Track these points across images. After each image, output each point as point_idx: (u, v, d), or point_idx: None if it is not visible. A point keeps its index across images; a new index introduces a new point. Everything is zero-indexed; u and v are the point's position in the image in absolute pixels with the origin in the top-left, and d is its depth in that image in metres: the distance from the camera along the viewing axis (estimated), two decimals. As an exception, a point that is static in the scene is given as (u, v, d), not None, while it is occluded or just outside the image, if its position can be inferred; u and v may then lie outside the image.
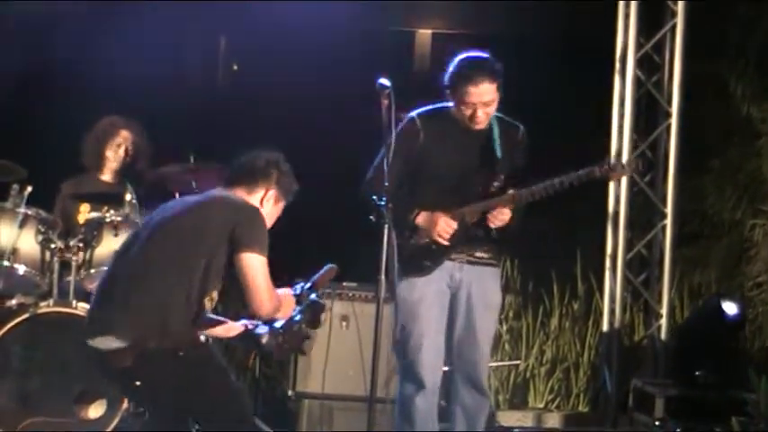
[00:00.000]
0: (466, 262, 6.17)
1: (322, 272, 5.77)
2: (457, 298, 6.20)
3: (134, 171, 7.63)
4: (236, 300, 5.58)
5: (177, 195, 7.07)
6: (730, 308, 8.13)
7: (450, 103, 6.11)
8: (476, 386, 6.22)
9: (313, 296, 5.61)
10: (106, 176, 7.66)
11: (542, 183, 6.05)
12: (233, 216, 5.26)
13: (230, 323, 5.43)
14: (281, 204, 5.53)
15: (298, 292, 5.57)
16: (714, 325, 8.14)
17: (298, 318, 5.49)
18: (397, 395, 6.28)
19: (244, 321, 5.44)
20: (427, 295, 6.11)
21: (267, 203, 5.45)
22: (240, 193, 5.42)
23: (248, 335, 5.42)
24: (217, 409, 5.22)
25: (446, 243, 6.06)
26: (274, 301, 5.31)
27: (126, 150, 7.61)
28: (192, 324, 5.20)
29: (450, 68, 6.08)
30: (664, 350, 8.54)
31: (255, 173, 5.46)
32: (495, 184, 6.14)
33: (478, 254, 6.20)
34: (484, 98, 6.02)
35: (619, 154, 8.49)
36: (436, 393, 6.21)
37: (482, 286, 6.21)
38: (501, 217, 6.06)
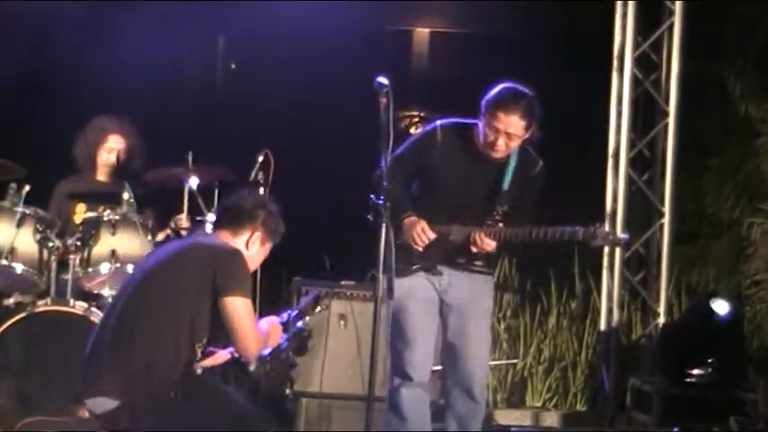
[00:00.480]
0: (450, 267, 6.16)
1: (308, 300, 5.82)
2: (447, 302, 6.18)
3: (131, 170, 7.62)
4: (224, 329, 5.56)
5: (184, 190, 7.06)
6: (721, 307, 8.12)
7: (478, 122, 6.08)
8: (469, 394, 6.19)
9: (300, 324, 5.63)
10: (101, 177, 7.65)
11: (529, 229, 6.04)
12: (212, 263, 5.22)
13: (219, 352, 5.43)
14: (269, 245, 5.50)
15: (285, 320, 5.59)
16: (705, 325, 8.13)
17: (285, 346, 5.54)
18: (389, 391, 6.26)
19: (231, 350, 5.43)
20: (412, 292, 6.09)
21: (253, 245, 5.42)
22: (225, 236, 5.40)
23: (236, 363, 5.43)
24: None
25: (417, 247, 6.04)
26: (260, 343, 5.31)
27: (118, 155, 7.59)
28: (185, 371, 5.19)
29: (493, 90, 6.05)
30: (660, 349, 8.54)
31: (241, 215, 5.43)
32: (496, 214, 6.12)
33: (467, 263, 6.18)
34: (510, 129, 5.98)
35: (616, 155, 8.50)
36: (425, 388, 6.19)
37: (472, 289, 6.19)
38: (483, 246, 6.04)
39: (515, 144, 6.05)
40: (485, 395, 6.37)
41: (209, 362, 5.45)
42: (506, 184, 6.12)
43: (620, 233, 6.31)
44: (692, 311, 8.59)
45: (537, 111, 6.04)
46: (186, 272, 5.24)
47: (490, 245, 6.06)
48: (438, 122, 6.14)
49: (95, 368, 5.23)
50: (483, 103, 6.05)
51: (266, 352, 5.47)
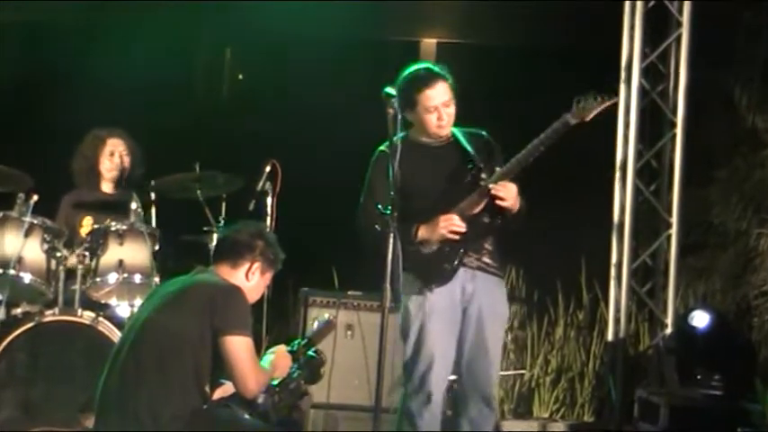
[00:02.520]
0: (477, 268, 6.10)
1: (319, 327, 5.79)
2: (468, 313, 6.13)
3: (135, 178, 7.63)
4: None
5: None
6: (701, 320, 8.11)
7: (403, 133, 6.03)
8: (485, 399, 6.17)
9: (311, 352, 5.61)
10: (107, 189, 7.65)
11: (523, 152, 5.94)
12: (210, 303, 5.21)
13: (226, 383, 5.39)
14: (269, 275, 5.50)
15: (294, 348, 5.58)
16: (687, 339, 8.14)
17: (295, 375, 5.51)
18: (400, 406, 6.21)
19: None
20: (438, 308, 6.05)
21: (253, 276, 5.43)
22: (224, 270, 5.40)
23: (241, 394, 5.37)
24: None
25: (455, 237, 6.00)
26: (262, 379, 5.30)
27: (120, 157, 7.60)
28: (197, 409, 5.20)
29: (401, 86, 6.01)
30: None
31: (239, 247, 5.43)
32: (482, 180, 6.06)
33: (486, 259, 6.14)
34: (443, 98, 6.02)
35: (623, 166, 8.50)
36: (440, 405, 6.18)
37: (492, 298, 6.16)
38: (506, 190, 5.94)
39: (453, 109, 6.05)
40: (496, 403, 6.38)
41: (218, 393, 5.42)
42: (474, 162, 6.06)
43: (610, 96, 6.06)
44: (678, 326, 8.55)
45: (443, 68, 6.10)
46: (186, 315, 5.22)
47: (512, 186, 5.95)
48: (380, 148, 6.05)
49: (105, 418, 5.22)
50: (404, 99, 5.95)
51: (275, 382, 5.44)
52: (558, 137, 5.94)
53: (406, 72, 6.08)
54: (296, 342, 5.60)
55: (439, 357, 6.07)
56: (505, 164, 6.02)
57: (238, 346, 5.17)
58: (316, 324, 5.86)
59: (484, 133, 6.22)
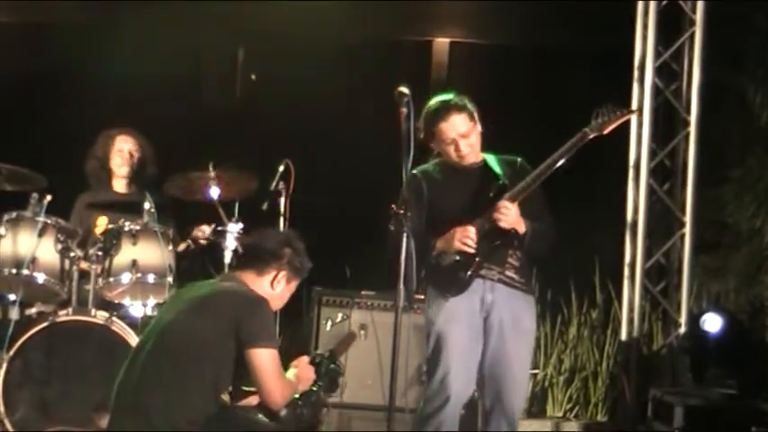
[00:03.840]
0: (497, 281, 6.11)
1: (341, 339, 5.79)
2: (489, 322, 6.12)
3: (147, 178, 7.64)
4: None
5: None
6: (713, 324, 8.08)
7: (439, 158, 6.18)
8: (505, 414, 6.12)
9: (332, 366, 5.63)
10: (120, 188, 7.67)
11: (540, 168, 6.01)
12: (236, 314, 5.19)
13: (251, 396, 5.39)
14: (295, 283, 5.49)
15: (318, 361, 5.59)
16: (700, 340, 8.12)
17: (315, 387, 5.53)
18: (419, 410, 6.20)
19: None
20: (456, 316, 6.05)
21: (278, 285, 5.42)
22: (249, 277, 5.38)
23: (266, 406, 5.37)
24: None
25: (470, 249, 6.02)
26: (287, 392, 5.29)
27: (130, 154, 7.62)
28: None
29: (422, 119, 6.10)
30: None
31: (266, 254, 5.41)
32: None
33: (509, 273, 6.14)
34: (460, 130, 6.07)
35: (637, 165, 8.49)
36: (461, 406, 6.15)
37: (514, 310, 6.13)
38: (504, 212, 5.99)
39: (475, 138, 6.11)
40: (518, 418, 6.25)
41: (245, 402, 5.43)
42: (501, 180, 6.11)
43: (628, 109, 6.07)
44: (690, 328, 8.52)
45: (467, 101, 6.12)
46: (210, 323, 5.20)
47: (511, 207, 5.98)
48: (412, 171, 6.00)
49: (121, 420, 5.22)
50: (425, 132, 6.10)
51: (297, 395, 5.44)
52: (576, 150, 6.00)
53: (427, 105, 6.14)
54: (318, 354, 5.60)
55: (457, 362, 6.06)
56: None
57: (265, 358, 5.16)
58: (338, 336, 5.87)
59: (519, 159, 6.26)
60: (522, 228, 6.06)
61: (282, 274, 5.41)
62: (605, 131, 6.05)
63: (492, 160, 6.20)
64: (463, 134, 6.08)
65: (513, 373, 6.13)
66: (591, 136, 6.01)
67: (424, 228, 6.04)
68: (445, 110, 6.08)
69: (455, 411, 6.12)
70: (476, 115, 6.13)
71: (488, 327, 6.12)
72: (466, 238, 6.02)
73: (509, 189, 6.07)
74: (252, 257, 5.46)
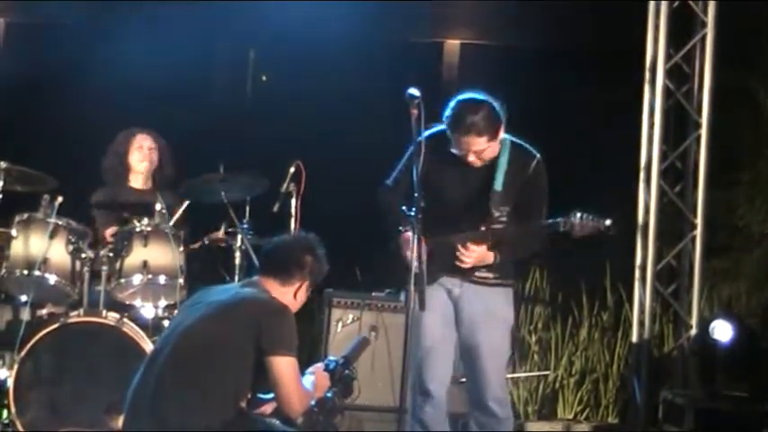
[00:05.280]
0: (468, 281, 6.07)
1: (355, 345, 5.79)
2: (459, 312, 6.09)
3: (164, 178, 7.66)
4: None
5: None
6: (722, 331, 8.04)
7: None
8: (481, 408, 6.08)
9: (347, 372, 5.63)
10: (136, 184, 7.69)
11: (512, 227, 5.98)
12: (258, 322, 5.19)
13: (270, 403, 5.41)
14: (312, 287, 5.52)
15: (332, 367, 5.58)
16: (710, 345, 8.10)
17: (331, 394, 5.53)
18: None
19: None
20: (431, 304, 5.86)
21: (300, 294, 5.45)
22: (272, 286, 5.38)
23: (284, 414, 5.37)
24: None
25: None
26: (306, 400, 5.30)
27: (149, 150, 7.65)
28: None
29: (449, 108, 5.97)
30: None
31: (289, 265, 5.41)
32: (493, 216, 6.02)
33: (480, 274, 6.07)
34: (473, 148, 5.95)
35: (648, 167, 8.48)
36: (443, 400, 6.11)
37: (486, 300, 6.08)
38: (469, 254, 5.94)
39: (489, 154, 5.98)
40: (505, 408, 6.16)
41: (260, 411, 5.44)
42: (499, 185, 6.02)
43: (605, 220, 5.90)
44: (701, 333, 8.49)
45: (492, 118, 5.92)
46: (231, 330, 5.21)
47: (477, 251, 5.93)
48: (423, 134, 5.87)
49: (136, 423, 5.21)
50: (446, 124, 5.96)
51: (312, 402, 5.44)
52: (545, 233, 5.97)
53: (456, 99, 6.00)
54: (332, 361, 5.60)
55: (435, 352, 6.03)
56: (538, 194, 6.05)
57: (285, 366, 5.18)
58: (352, 343, 5.85)
59: (537, 158, 6.09)
60: (489, 260, 6.00)
61: (306, 284, 5.44)
62: (576, 236, 5.94)
63: (505, 156, 6.04)
64: (476, 151, 5.96)
65: (486, 364, 6.05)
66: (561, 230, 5.92)
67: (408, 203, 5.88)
68: (465, 128, 5.89)
69: (440, 405, 6.07)
70: (499, 132, 5.96)
71: (459, 319, 6.08)
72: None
73: (502, 198, 5.99)
74: (275, 265, 5.45)
